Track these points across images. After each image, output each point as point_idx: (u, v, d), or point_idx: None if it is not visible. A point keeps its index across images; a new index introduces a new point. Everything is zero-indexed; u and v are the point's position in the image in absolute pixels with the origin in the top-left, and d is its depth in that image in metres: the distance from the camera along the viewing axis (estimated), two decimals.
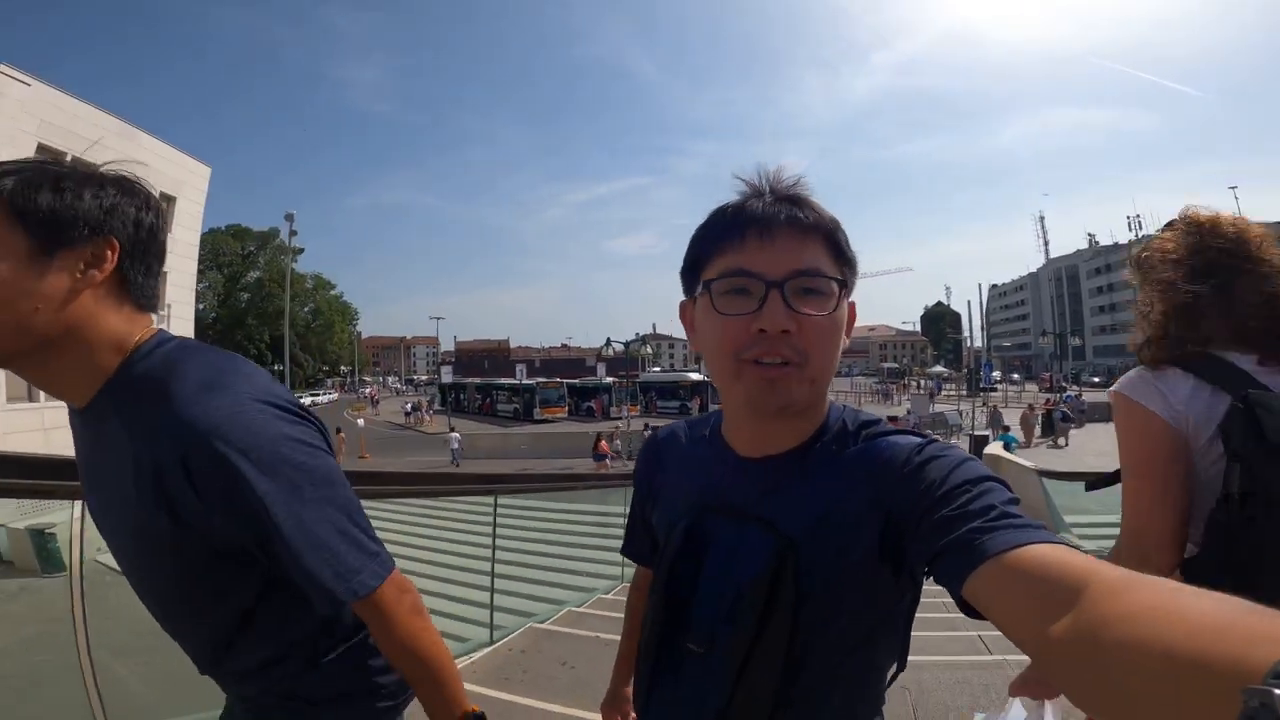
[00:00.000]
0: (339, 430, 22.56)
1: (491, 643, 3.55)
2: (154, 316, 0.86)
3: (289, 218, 21.42)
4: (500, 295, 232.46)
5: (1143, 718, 0.34)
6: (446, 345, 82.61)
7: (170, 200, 20.80)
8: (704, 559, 0.74)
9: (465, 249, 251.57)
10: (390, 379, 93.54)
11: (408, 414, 35.97)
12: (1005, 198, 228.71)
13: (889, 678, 0.76)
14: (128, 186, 0.80)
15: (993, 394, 38.23)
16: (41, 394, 0.67)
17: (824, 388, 0.71)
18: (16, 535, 3.04)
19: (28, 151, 15.36)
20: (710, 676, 0.70)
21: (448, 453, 21.02)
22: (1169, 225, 1.19)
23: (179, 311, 21.09)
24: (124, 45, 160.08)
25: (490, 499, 3.80)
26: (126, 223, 0.77)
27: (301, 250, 25.77)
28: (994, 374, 44.02)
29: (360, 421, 27.52)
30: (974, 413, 24.02)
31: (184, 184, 21.54)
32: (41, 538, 2.94)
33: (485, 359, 77.37)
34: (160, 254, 0.84)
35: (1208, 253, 1.11)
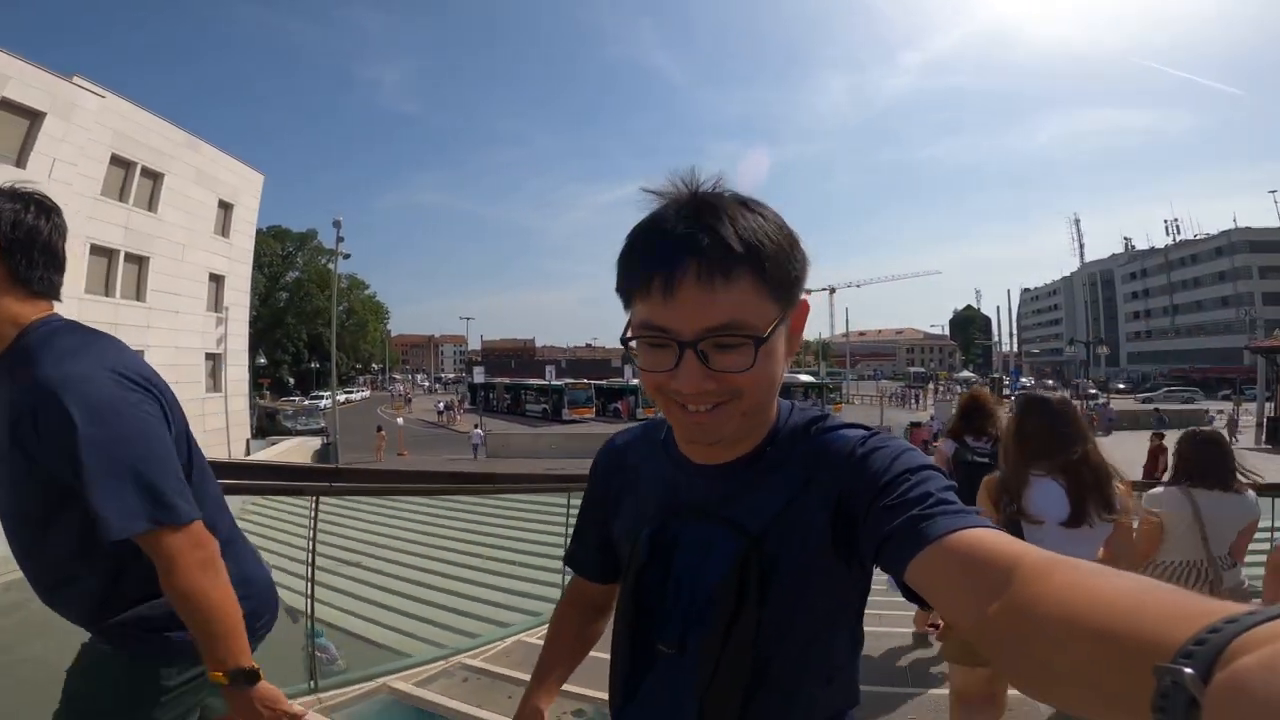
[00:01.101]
0: (379, 429, 23.27)
1: None
2: (54, 303, 1.05)
3: (336, 224, 21.92)
4: (525, 295, 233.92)
5: (1069, 692, 0.36)
6: (473, 344, 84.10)
7: (228, 208, 21.51)
8: (671, 563, 0.74)
9: (490, 249, 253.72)
10: (419, 377, 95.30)
11: (440, 412, 37.01)
12: (1038, 200, 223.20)
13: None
14: (15, 195, 1.00)
15: None
16: None
17: (763, 412, 0.71)
18: None
19: (102, 162, 16.20)
20: (683, 676, 0.71)
21: (471, 448, 22.13)
22: (967, 390, 3.85)
23: (235, 314, 21.66)
24: (150, 43, 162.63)
25: (564, 496, 4.41)
26: (2, 225, 0.96)
27: (348, 255, 26.00)
28: (1023, 380, 43.41)
29: (399, 420, 28.51)
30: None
31: (240, 191, 22.16)
32: None
33: (511, 358, 78.67)
34: (49, 250, 1.02)
35: (971, 405, 3.34)
